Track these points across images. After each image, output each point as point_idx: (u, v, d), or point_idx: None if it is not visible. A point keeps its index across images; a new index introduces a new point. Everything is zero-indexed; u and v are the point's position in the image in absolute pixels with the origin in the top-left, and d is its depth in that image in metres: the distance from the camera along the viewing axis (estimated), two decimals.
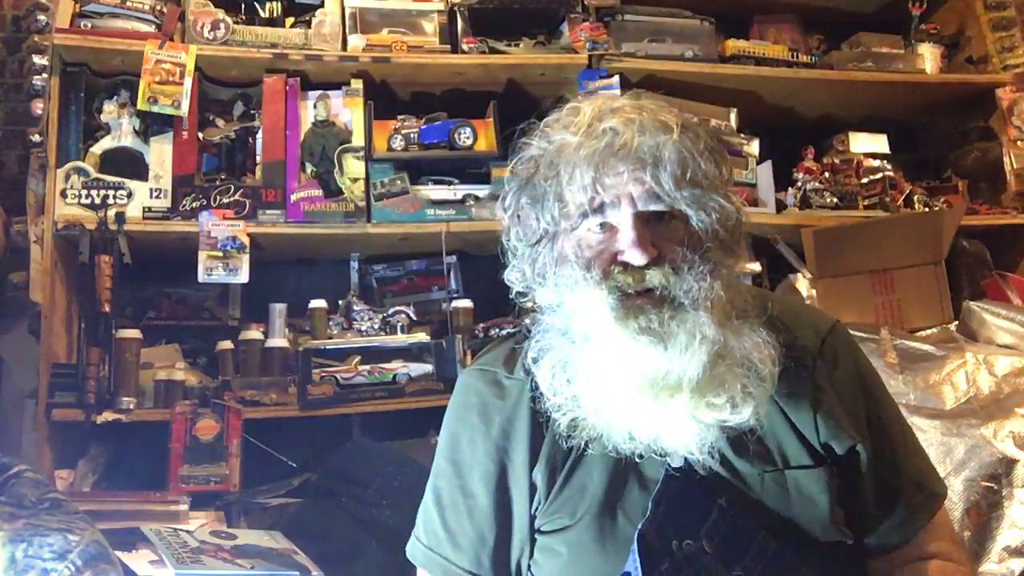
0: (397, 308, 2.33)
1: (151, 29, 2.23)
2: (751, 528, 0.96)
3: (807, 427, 1.01)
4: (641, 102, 0.99)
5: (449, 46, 2.40)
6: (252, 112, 2.34)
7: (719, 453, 0.98)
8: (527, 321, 1.08)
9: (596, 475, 1.01)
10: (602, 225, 0.97)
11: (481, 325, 2.34)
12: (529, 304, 1.07)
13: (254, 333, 2.24)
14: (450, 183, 2.39)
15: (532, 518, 1.04)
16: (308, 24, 2.35)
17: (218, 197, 2.19)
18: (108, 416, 1.98)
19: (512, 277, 1.06)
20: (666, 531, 0.95)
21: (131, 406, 2.02)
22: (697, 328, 0.93)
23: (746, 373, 0.95)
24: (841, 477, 1.02)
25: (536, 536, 1.04)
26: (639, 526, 0.95)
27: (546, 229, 1.00)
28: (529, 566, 1.05)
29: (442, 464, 1.11)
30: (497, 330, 2.32)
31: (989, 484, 1.76)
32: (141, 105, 2.16)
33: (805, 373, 1.03)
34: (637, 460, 0.99)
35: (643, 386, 0.94)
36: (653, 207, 0.95)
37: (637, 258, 0.94)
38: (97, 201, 2.12)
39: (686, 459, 0.98)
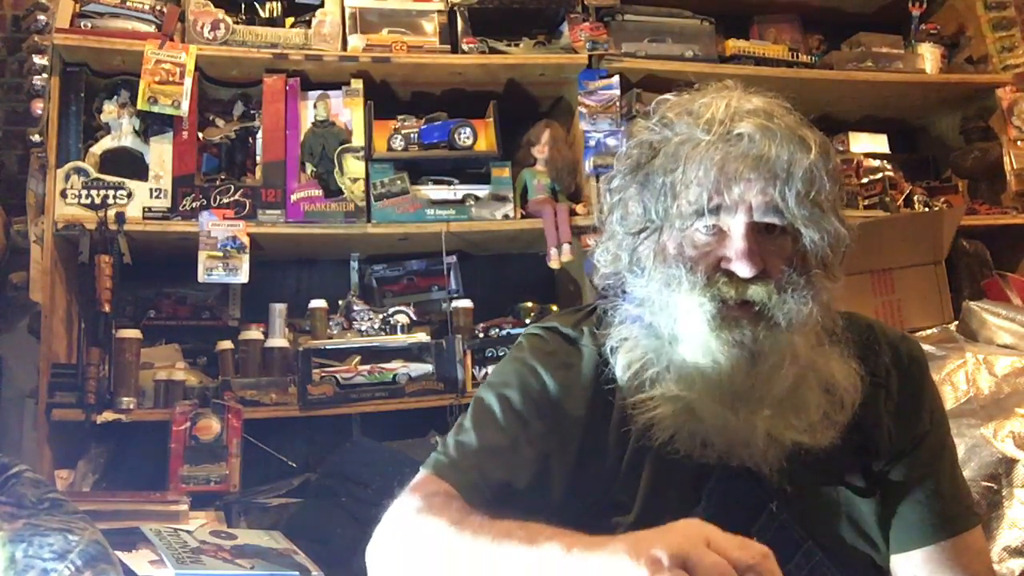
0: (397, 308, 2.33)
1: (151, 29, 2.23)
2: (798, 536, 0.95)
3: (882, 440, 1.01)
4: (772, 106, 0.97)
5: (449, 46, 2.40)
6: (252, 112, 2.34)
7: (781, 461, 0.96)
8: (600, 300, 1.06)
9: (649, 457, 0.98)
10: (712, 226, 0.94)
11: (481, 325, 2.34)
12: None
13: (254, 333, 2.24)
14: (450, 183, 2.39)
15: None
16: (308, 24, 2.35)
17: (218, 197, 2.19)
18: (108, 416, 1.98)
19: (602, 259, 1.04)
20: (716, 524, 0.93)
21: (131, 406, 2.02)
22: (789, 350, 0.93)
23: (830, 399, 0.95)
24: (886, 502, 1.01)
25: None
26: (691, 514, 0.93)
27: (652, 220, 0.97)
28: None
29: (488, 397, 1.02)
30: (497, 330, 2.32)
31: (989, 484, 1.75)
32: (141, 105, 2.16)
33: (882, 388, 1.03)
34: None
35: (726, 398, 0.93)
36: (769, 220, 0.92)
37: (744, 270, 0.92)
38: (97, 201, 2.12)
39: (742, 460, 0.96)
